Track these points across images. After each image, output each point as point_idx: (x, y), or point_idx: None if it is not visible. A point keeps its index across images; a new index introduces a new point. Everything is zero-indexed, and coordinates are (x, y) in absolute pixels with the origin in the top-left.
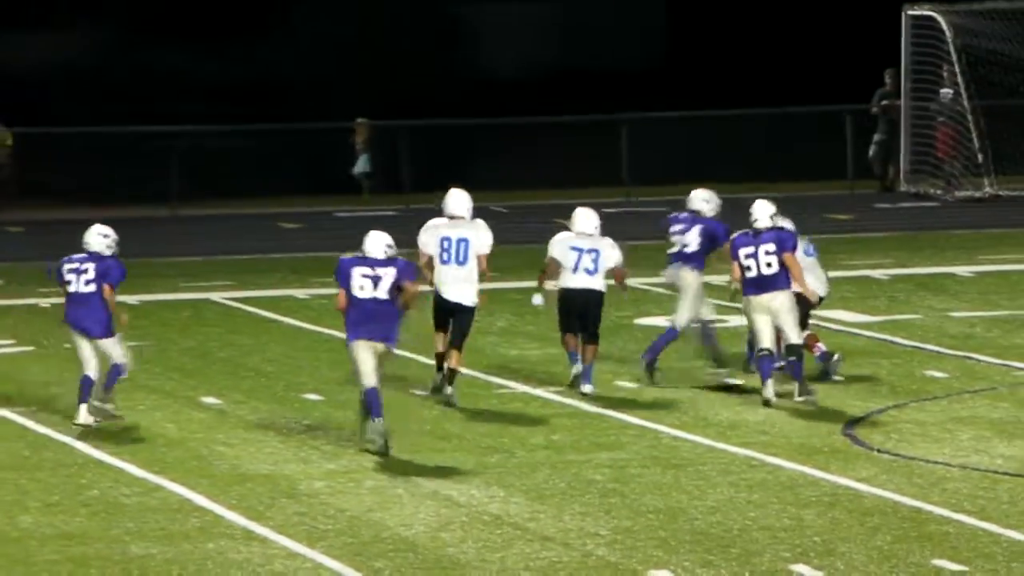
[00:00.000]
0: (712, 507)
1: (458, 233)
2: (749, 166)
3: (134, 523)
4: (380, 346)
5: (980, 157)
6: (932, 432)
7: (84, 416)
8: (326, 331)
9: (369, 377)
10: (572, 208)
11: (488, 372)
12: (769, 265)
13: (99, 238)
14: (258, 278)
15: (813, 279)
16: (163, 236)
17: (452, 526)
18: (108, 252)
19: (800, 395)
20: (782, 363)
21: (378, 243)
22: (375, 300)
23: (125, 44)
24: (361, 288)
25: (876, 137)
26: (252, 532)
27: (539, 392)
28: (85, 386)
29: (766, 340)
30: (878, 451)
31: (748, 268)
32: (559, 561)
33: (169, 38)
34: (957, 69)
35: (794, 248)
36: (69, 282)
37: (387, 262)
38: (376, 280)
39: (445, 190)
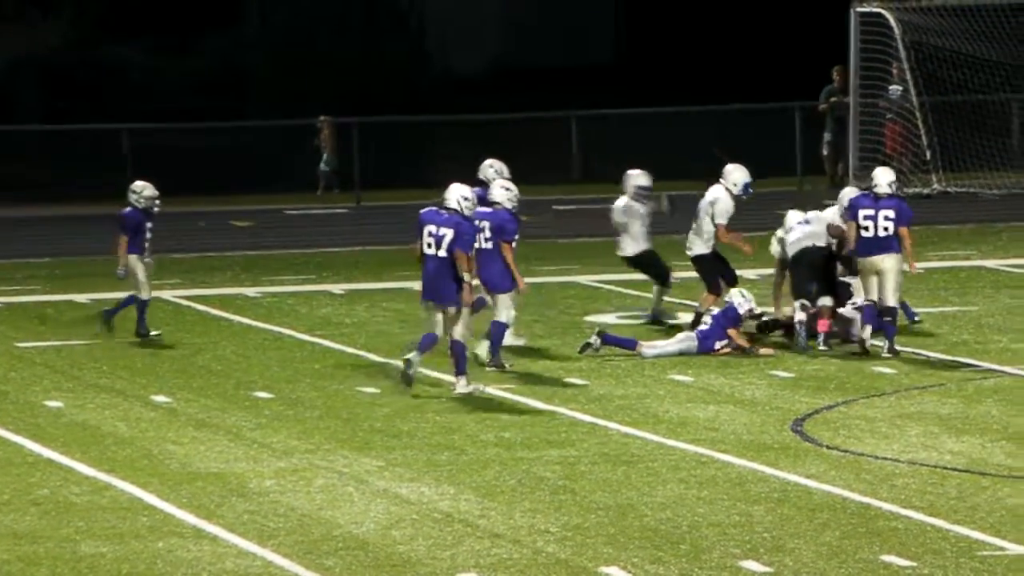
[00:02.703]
0: (662, 503)
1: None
2: (699, 162)
3: (84, 522)
4: (446, 308)
5: (928, 154)
6: (881, 428)
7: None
8: (276, 329)
9: (437, 327)
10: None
11: (439, 370)
12: (886, 229)
13: (502, 191)
14: (208, 276)
15: None
16: (113, 234)
17: (402, 524)
18: (509, 206)
19: (888, 352)
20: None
21: (453, 194)
22: (437, 259)
23: (78, 41)
24: (428, 246)
25: (827, 137)
26: (202, 531)
27: (489, 390)
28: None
29: (873, 293)
30: (827, 447)
31: (866, 228)
32: (509, 558)
33: (122, 35)
34: (906, 66)
35: (910, 223)
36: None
37: (451, 221)
38: (439, 240)
39: (396, 187)
